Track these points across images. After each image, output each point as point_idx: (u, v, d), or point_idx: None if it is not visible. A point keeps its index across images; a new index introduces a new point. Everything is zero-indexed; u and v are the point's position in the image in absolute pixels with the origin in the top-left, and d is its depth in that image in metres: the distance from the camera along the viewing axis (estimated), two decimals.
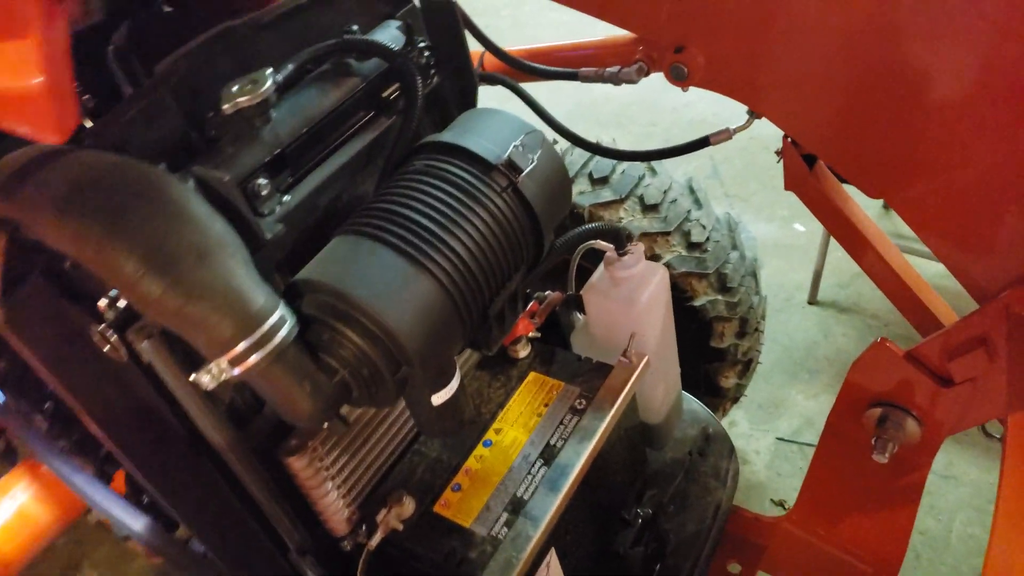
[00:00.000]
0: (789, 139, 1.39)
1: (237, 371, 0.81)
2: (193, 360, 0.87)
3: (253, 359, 0.81)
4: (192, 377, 0.82)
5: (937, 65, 1.02)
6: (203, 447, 1.01)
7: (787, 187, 1.48)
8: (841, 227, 1.46)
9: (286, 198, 0.98)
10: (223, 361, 0.81)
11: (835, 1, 1.04)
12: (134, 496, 1.34)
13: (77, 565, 2.68)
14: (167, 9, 1.22)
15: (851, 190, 1.46)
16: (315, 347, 0.89)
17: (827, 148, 1.26)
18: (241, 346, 0.80)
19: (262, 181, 0.94)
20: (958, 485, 2.24)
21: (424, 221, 0.93)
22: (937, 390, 1.21)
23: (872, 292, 2.80)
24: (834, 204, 1.43)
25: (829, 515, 1.45)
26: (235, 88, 0.92)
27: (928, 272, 1.52)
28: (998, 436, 1.44)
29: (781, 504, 2.29)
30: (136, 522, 1.18)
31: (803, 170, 1.41)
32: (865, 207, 1.56)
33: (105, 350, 0.87)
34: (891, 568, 1.43)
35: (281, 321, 0.83)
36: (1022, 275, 1.14)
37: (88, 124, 0.90)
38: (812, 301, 2.83)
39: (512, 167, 0.99)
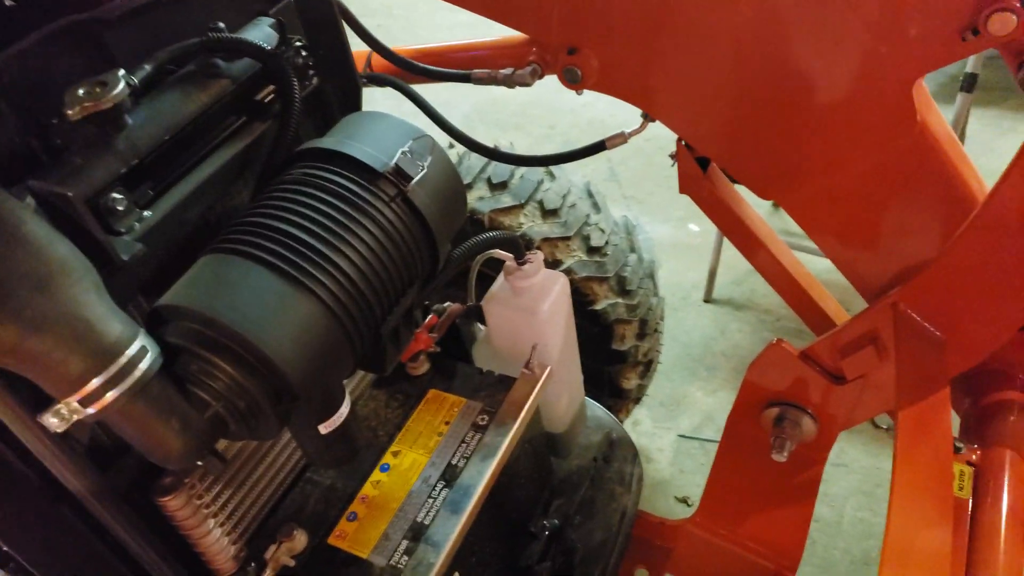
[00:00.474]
0: (683, 143, 1.40)
1: (92, 410, 0.72)
2: (40, 397, 0.77)
3: (110, 396, 0.72)
4: (39, 419, 0.72)
5: (817, 69, 1.04)
6: (61, 494, 0.90)
7: (682, 190, 1.48)
8: (734, 228, 1.48)
9: (147, 214, 0.88)
10: (73, 401, 0.71)
11: (721, 5, 1.04)
12: None
13: None
14: (8, 2, 1.09)
15: (743, 191, 1.49)
16: (183, 380, 0.80)
17: (719, 151, 1.27)
18: (94, 383, 0.71)
19: (117, 196, 0.84)
20: (848, 472, 2.33)
21: (303, 235, 0.86)
22: (830, 388, 1.24)
23: (765, 288, 2.87)
24: (727, 206, 1.45)
25: (731, 515, 1.47)
26: (81, 91, 0.82)
27: (818, 267, 1.56)
28: (885, 427, 1.51)
29: (685, 500, 2.32)
30: None
31: (697, 173, 1.42)
32: (755, 205, 1.59)
33: None
34: (791, 561, 1.47)
35: (141, 352, 0.74)
36: (905, 272, 1.18)
37: None
38: (708, 299, 2.89)
39: (400, 175, 0.93)
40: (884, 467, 2.33)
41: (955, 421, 1.55)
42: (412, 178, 0.94)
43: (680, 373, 2.68)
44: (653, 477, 2.43)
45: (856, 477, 2.32)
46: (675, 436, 2.52)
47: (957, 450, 1.32)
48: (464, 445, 1.16)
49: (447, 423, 1.20)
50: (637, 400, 2.29)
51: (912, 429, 1.12)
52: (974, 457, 1.32)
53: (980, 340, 1.13)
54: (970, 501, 1.27)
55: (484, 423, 1.18)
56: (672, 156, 1.44)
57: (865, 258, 1.27)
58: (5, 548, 0.94)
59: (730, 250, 2.76)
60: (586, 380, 1.60)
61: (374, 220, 0.91)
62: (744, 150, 1.23)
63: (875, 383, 1.20)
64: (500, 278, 1.28)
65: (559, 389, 1.38)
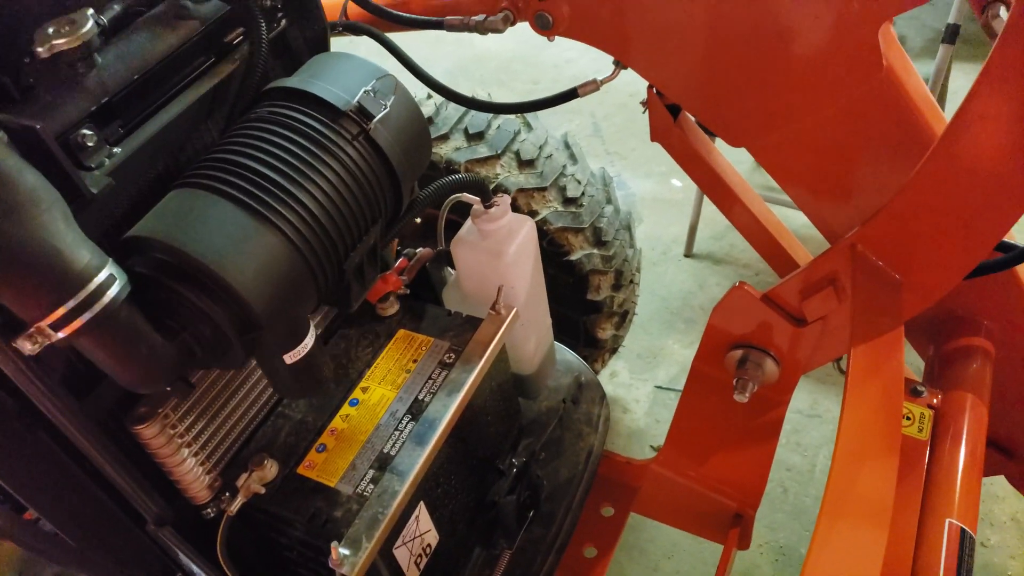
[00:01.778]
0: (654, 89, 1.41)
1: (62, 335, 0.76)
2: (13, 323, 0.81)
3: (79, 321, 0.76)
4: (13, 343, 0.76)
5: (786, 11, 1.05)
6: (38, 421, 0.94)
7: (653, 138, 1.51)
8: (707, 178, 1.51)
9: (116, 150, 0.91)
10: (44, 325, 0.75)
11: None
12: None
13: None
14: None
15: (718, 144, 1.51)
16: (151, 308, 0.84)
17: (689, 98, 1.30)
18: (64, 308, 0.75)
19: (87, 132, 0.87)
20: (822, 423, 2.39)
21: (266, 171, 0.89)
22: (792, 330, 1.27)
23: (744, 243, 2.89)
24: (699, 155, 1.47)
25: (695, 455, 1.52)
26: (51, 30, 0.84)
27: (795, 224, 1.59)
28: None
29: (659, 449, 2.39)
30: None
31: (667, 121, 1.44)
32: (737, 163, 1.62)
33: None
34: (753, 500, 1.52)
35: (109, 280, 0.78)
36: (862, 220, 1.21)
37: None
38: (688, 254, 2.93)
39: (363, 113, 0.96)
40: None
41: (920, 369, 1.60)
42: (374, 116, 0.96)
43: (658, 326, 2.73)
44: (629, 427, 2.48)
45: (829, 427, 2.37)
46: (652, 387, 2.58)
47: (918, 393, 1.36)
48: (431, 381, 1.20)
49: (415, 361, 1.24)
50: (613, 351, 2.33)
51: (864, 367, 1.15)
52: (935, 401, 1.37)
53: (934, 281, 1.16)
54: (928, 443, 1.32)
55: (451, 361, 1.22)
56: (643, 104, 1.46)
57: (833, 205, 1.30)
58: None
59: (710, 206, 2.79)
60: (562, 330, 1.64)
61: (336, 157, 0.94)
62: (713, 96, 1.24)
63: (834, 325, 1.24)
64: (468, 222, 1.31)
65: (527, 331, 1.42)
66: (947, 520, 1.14)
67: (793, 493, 2.23)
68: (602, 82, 1.44)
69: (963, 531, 1.13)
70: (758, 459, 1.46)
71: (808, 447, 2.33)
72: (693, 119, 1.49)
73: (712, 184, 1.52)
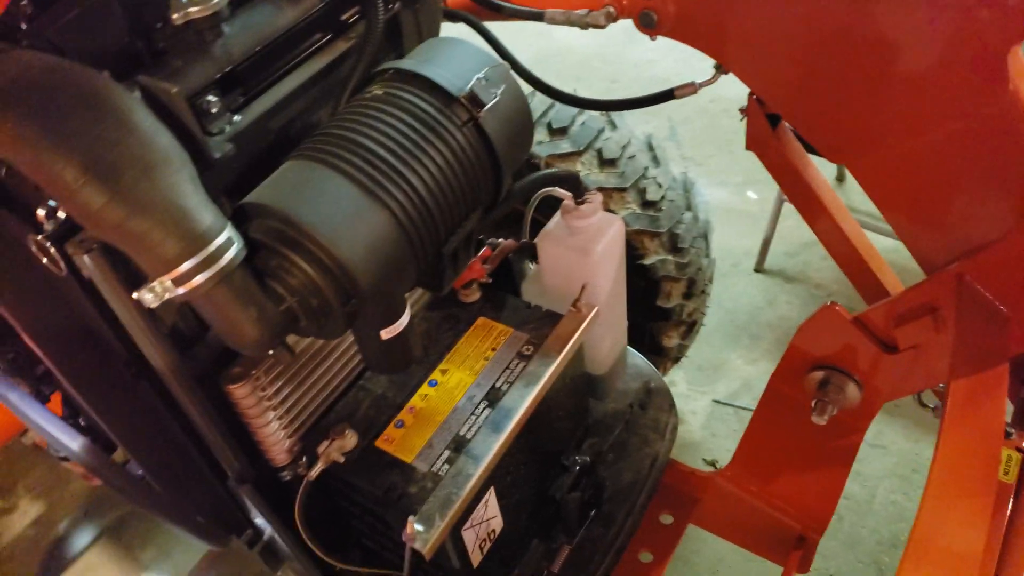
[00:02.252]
0: (754, 97, 1.40)
1: (181, 291, 0.79)
2: (136, 277, 0.85)
3: (198, 280, 0.79)
4: (135, 295, 0.80)
5: (905, 30, 1.02)
6: (143, 370, 0.99)
7: (748, 147, 1.49)
8: (798, 190, 1.48)
9: (236, 118, 0.95)
10: (167, 280, 0.78)
11: None
12: (71, 418, 1.31)
13: (11, 487, 2.63)
14: None
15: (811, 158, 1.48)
16: (262, 273, 0.87)
17: (791, 108, 1.27)
18: (186, 265, 0.78)
19: (212, 98, 0.90)
20: (886, 454, 2.33)
21: (381, 151, 0.91)
22: (880, 355, 1.24)
23: (819, 262, 2.88)
24: (793, 166, 1.44)
25: (763, 472, 1.50)
26: None
27: (877, 247, 1.55)
28: (932, 406, 1.51)
29: (713, 464, 2.36)
30: (74, 442, 1.16)
31: (766, 130, 1.42)
32: None
33: (43, 262, 0.84)
34: (819, 526, 1.49)
35: (228, 243, 0.81)
36: (971, 250, 1.17)
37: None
38: (759, 268, 2.88)
39: (474, 100, 0.97)
40: (923, 453, 2.31)
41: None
42: (485, 104, 0.98)
43: (722, 339, 2.70)
44: (684, 438, 2.46)
45: (893, 459, 2.32)
46: (710, 400, 2.55)
47: (1007, 435, 1.32)
48: (508, 371, 1.21)
49: (494, 349, 1.26)
50: (676, 360, 2.31)
51: (962, 402, 1.11)
52: None
53: None
54: (1014, 489, 1.27)
55: (529, 353, 1.23)
56: (742, 111, 1.44)
57: (932, 232, 1.25)
58: (93, 416, 1.04)
59: (786, 220, 2.76)
60: (628, 333, 1.63)
61: (445, 142, 0.96)
62: (818, 109, 1.21)
63: (927, 355, 1.20)
64: (556, 216, 1.32)
65: (603, 331, 1.42)
66: None
67: (848, 522, 2.18)
68: (701, 86, 1.42)
69: None
70: (828, 484, 1.43)
71: (869, 477, 2.28)
72: (791, 130, 1.46)
73: (803, 197, 1.49)
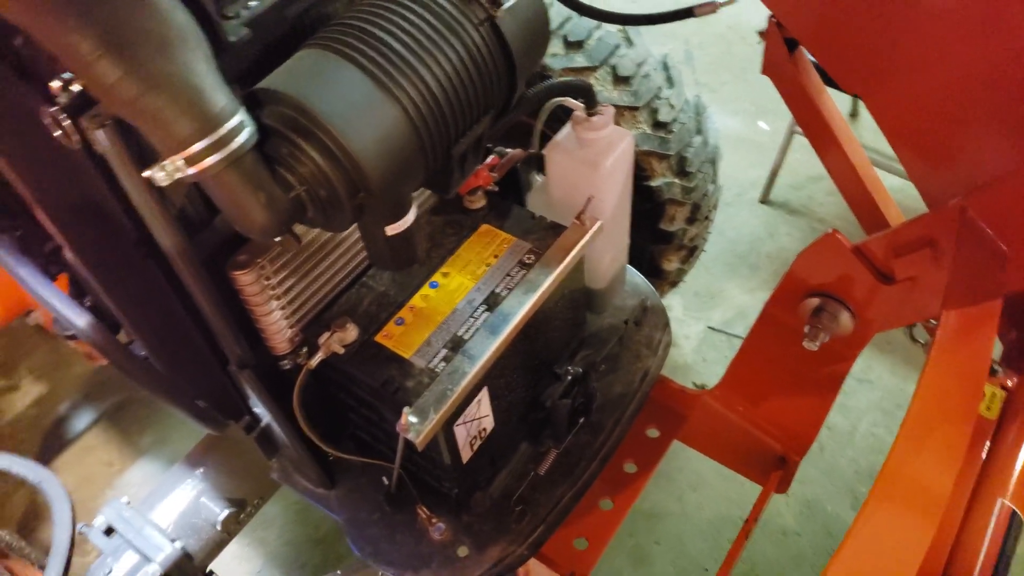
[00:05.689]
0: (774, 20, 1.37)
1: (192, 171, 0.80)
2: (148, 156, 0.85)
3: (209, 161, 0.80)
4: (146, 172, 0.80)
5: None
6: (152, 249, 1.00)
7: (764, 71, 1.47)
8: (811, 119, 1.47)
9: (253, 3, 0.94)
10: (179, 159, 0.79)
11: None
12: (77, 298, 1.33)
13: (13, 366, 2.69)
14: None
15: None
16: (273, 160, 0.88)
17: (809, 34, 1.25)
18: (198, 145, 0.78)
19: None
20: (872, 388, 2.39)
21: (396, 45, 0.90)
22: (877, 286, 1.25)
23: (823, 197, 2.87)
24: (808, 95, 1.43)
25: (751, 394, 1.54)
26: None
27: (885, 184, 1.55)
28: (922, 342, 1.54)
29: (702, 387, 2.42)
30: (81, 319, 1.18)
31: (783, 55, 1.40)
32: None
33: (56, 135, 0.84)
34: (801, 448, 1.54)
35: (240, 126, 0.81)
36: (976, 186, 1.17)
37: None
38: (764, 199, 2.88)
39: (492, 0, 0.96)
40: (908, 389, 2.37)
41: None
42: (503, 4, 0.96)
43: (721, 267, 2.72)
44: (676, 361, 2.52)
45: (878, 394, 2.38)
46: (704, 327, 2.59)
47: (993, 372, 1.34)
48: (509, 278, 1.23)
49: (496, 256, 1.27)
50: (674, 284, 2.34)
51: (952, 333, 1.13)
52: (1010, 383, 1.34)
53: None
54: (995, 424, 1.31)
55: (530, 261, 1.25)
56: (760, 34, 1.42)
57: (941, 168, 1.25)
58: (100, 293, 1.06)
59: (795, 153, 2.74)
60: (629, 252, 1.65)
61: (462, 40, 0.95)
62: (837, 36, 1.20)
63: (923, 288, 1.21)
64: (567, 127, 1.31)
65: (605, 246, 1.44)
66: (999, 500, 1.15)
67: (829, 451, 2.26)
68: (721, 5, 1.39)
69: (1014, 513, 1.13)
70: (813, 409, 1.48)
71: (853, 410, 2.34)
72: (809, 57, 1.44)
73: (815, 126, 1.48)
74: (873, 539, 0.92)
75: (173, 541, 1.57)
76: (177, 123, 0.77)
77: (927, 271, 1.14)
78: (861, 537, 0.92)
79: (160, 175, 0.80)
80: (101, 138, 0.83)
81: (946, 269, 1.11)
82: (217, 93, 0.79)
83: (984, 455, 1.24)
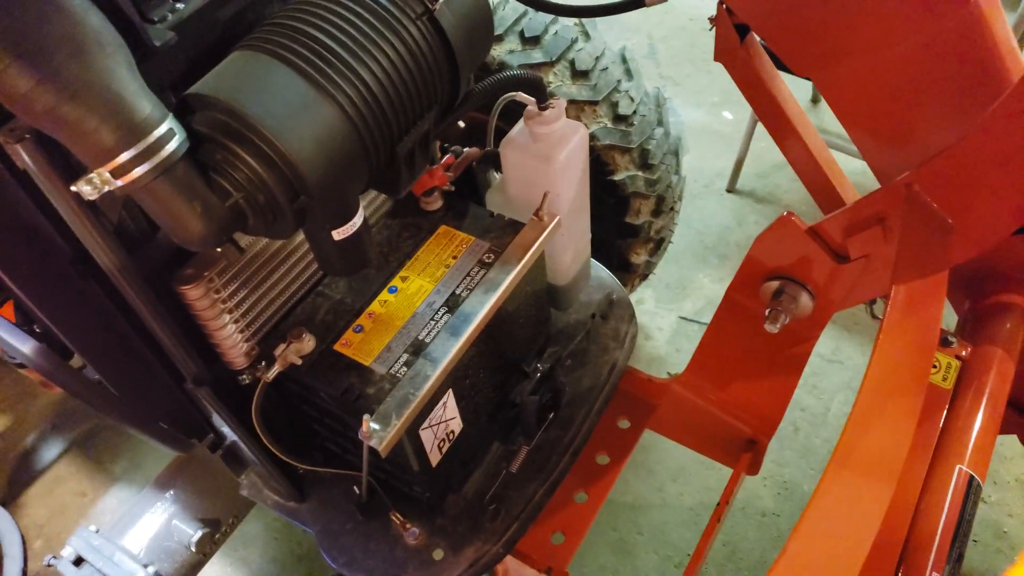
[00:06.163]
0: (723, 5, 1.36)
1: (121, 183, 0.77)
2: (76, 170, 0.82)
3: (138, 171, 0.77)
4: (72, 187, 0.77)
5: None
6: (90, 268, 0.97)
7: (716, 58, 1.46)
8: (766, 105, 1.46)
9: (179, 5, 0.91)
10: (105, 171, 0.76)
11: None
12: (25, 324, 1.29)
13: None
14: None
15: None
16: (208, 167, 0.85)
17: (758, 18, 1.25)
18: (124, 156, 0.76)
19: None
20: (842, 369, 2.40)
21: (331, 43, 0.88)
22: (833, 265, 1.26)
23: (789, 184, 2.88)
24: (761, 80, 1.42)
25: (717, 379, 1.54)
26: None
27: (846, 169, 1.55)
28: (883, 318, 1.55)
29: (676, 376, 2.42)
30: (26, 346, 1.15)
31: (734, 40, 1.39)
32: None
33: None
34: (768, 430, 1.54)
35: (169, 134, 0.79)
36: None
37: None
38: (731, 189, 2.88)
39: None
40: None
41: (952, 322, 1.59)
42: None
43: (690, 259, 2.72)
44: (650, 353, 2.51)
45: (848, 374, 2.39)
46: (676, 317, 2.59)
47: (948, 343, 1.35)
48: (469, 278, 1.21)
49: (455, 257, 1.25)
50: (643, 277, 2.33)
51: (903, 305, 1.14)
52: (964, 353, 1.36)
53: (988, 228, 1.12)
54: (951, 393, 1.32)
55: (489, 261, 1.23)
56: (711, 20, 1.41)
57: (891, 147, 1.26)
58: (41, 317, 1.02)
59: (759, 142, 2.75)
60: (596, 250, 1.63)
61: (399, 35, 0.93)
62: (785, 20, 1.19)
63: (876, 265, 1.22)
64: (520, 123, 1.29)
65: (566, 242, 1.42)
66: (957, 466, 1.16)
67: (804, 433, 2.26)
68: None
69: (972, 478, 1.14)
70: (779, 390, 1.48)
71: (825, 390, 2.35)
72: (760, 42, 1.44)
73: (770, 112, 1.48)
74: (833, 506, 0.92)
75: (146, 566, 1.54)
76: (99, 133, 0.74)
77: (879, 248, 1.15)
78: (821, 506, 0.92)
79: (87, 188, 0.77)
80: (21, 153, 0.80)
81: (896, 244, 1.11)
82: (141, 100, 0.77)
83: (942, 424, 1.24)
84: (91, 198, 0.77)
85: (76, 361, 1.29)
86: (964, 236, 1.12)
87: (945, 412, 1.28)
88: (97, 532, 1.58)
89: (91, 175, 0.77)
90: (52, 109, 0.71)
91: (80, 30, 0.72)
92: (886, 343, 1.00)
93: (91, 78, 0.73)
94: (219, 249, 0.89)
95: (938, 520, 1.06)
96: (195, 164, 0.83)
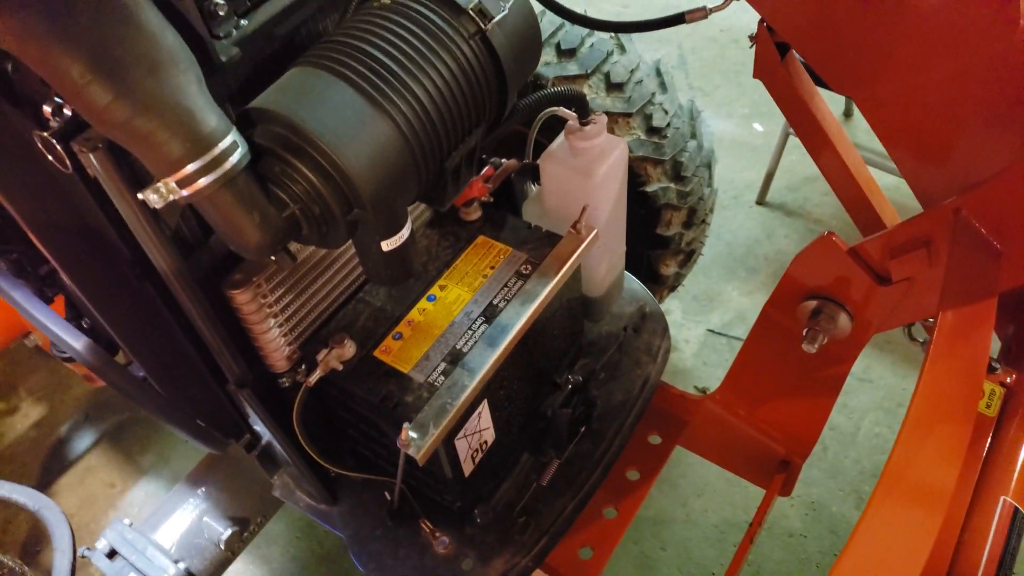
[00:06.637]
0: (764, 24, 1.37)
1: (186, 192, 0.80)
2: (142, 178, 0.85)
3: (202, 182, 0.80)
4: (140, 195, 0.80)
5: None
6: (147, 271, 1.00)
7: (756, 75, 1.47)
8: (804, 121, 1.46)
9: (243, 22, 0.93)
10: (171, 181, 0.79)
11: None
12: (74, 320, 1.33)
13: (12, 388, 2.68)
14: None
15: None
16: (266, 179, 0.87)
17: (801, 36, 1.25)
18: (190, 167, 0.78)
19: (219, 0, 0.89)
20: (873, 388, 2.38)
21: (387, 61, 0.90)
22: (873, 287, 1.25)
23: (819, 198, 2.87)
24: (800, 97, 1.43)
25: (752, 397, 1.53)
26: None
27: (879, 183, 1.55)
28: (921, 340, 1.54)
29: (703, 391, 2.41)
30: (77, 341, 1.18)
31: (774, 58, 1.40)
32: None
33: (49, 159, 0.84)
34: (803, 451, 1.53)
35: (233, 147, 0.81)
36: (970, 186, 1.17)
37: None
38: (760, 201, 2.88)
39: (482, 13, 0.96)
40: (909, 388, 2.33)
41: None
42: (493, 17, 0.96)
43: (719, 270, 2.72)
44: (676, 366, 2.51)
45: (880, 393, 2.37)
46: (704, 330, 2.59)
47: (993, 369, 1.34)
48: (506, 289, 1.23)
49: (492, 267, 1.27)
50: (672, 288, 2.34)
51: (950, 333, 1.13)
52: (1009, 380, 1.34)
53: None
54: (995, 421, 1.30)
55: (527, 272, 1.25)
56: (751, 38, 1.42)
57: (933, 168, 1.25)
58: (96, 316, 1.06)
59: (790, 155, 2.75)
60: (626, 260, 1.65)
61: (452, 55, 0.95)
62: (827, 38, 1.20)
63: (919, 288, 1.21)
64: (560, 137, 1.31)
65: (601, 255, 1.44)
66: (1002, 497, 1.14)
67: (833, 452, 2.25)
68: (712, 11, 1.39)
69: (1016, 510, 1.13)
70: (815, 411, 1.47)
71: (855, 410, 2.33)
72: (800, 59, 1.44)
73: (809, 129, 1.48)
74: (878, 538, 0.91)
75: (176, 562, 1.57)
76: (169, 145, 0.77)
77: (923, 271, 1.14)
78: (866, 537, 0.92)
79: (154, 197, 0.80)
80: (93, 162, 0.83)
81: (942, 269, 1.11)
82: (208, 114, 0.79)
83: (985, 453, 1.23)
84: (156, 206, 0.80)
85: (120, 357, 1.32)
86: (1013, 262, 1.11)
87: (989, 441, 1.27)
88: (130, 525, 1.62)
89: (158, 184, 0.79)
90: (126, 122, 0.74)
91: (156, 48, 0.75)
92: (933, 369, 0.99)
93: (164, 93, 0.75)
94: (273, 257, 0.91)
95: (981, 553, 1.05)
96: (255, 175, 0.85)
